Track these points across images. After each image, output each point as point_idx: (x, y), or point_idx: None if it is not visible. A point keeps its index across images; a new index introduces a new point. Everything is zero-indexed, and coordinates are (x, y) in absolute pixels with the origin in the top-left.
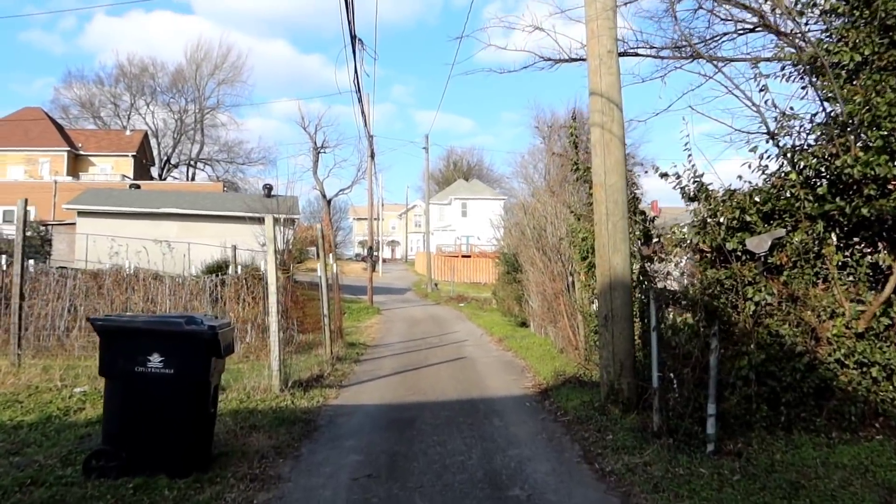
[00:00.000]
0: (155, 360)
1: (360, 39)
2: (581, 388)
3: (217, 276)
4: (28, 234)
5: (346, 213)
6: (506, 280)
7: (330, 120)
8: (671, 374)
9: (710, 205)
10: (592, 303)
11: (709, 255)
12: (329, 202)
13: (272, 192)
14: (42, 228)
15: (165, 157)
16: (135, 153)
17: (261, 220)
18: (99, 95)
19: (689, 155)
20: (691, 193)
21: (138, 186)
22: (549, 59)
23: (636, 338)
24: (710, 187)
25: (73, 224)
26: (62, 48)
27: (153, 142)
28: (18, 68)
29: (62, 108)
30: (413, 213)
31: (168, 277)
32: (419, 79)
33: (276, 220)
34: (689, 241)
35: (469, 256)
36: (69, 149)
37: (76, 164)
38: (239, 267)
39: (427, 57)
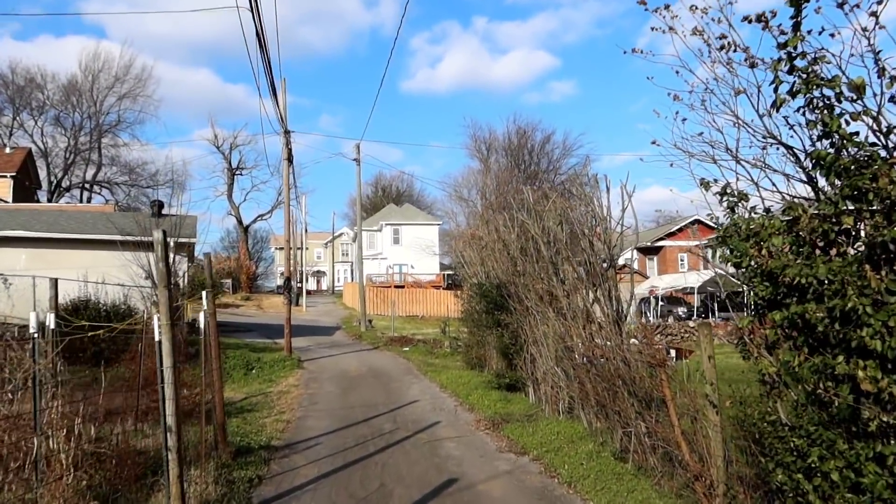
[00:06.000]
0: None
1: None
2: None
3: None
4: None
5: (268, 242)
6: (481, 322)
7: (247, 140)
8: None
9: None
10: (769, 397)
11: None
12: (246, 229)
13: (162, 211)
14: None
15: (55, 180)
16: (15, 174)
17: (138, 246)
18: None
19: None
20: None
21: None
22: None
23: None
24: None
25: None
26: None
27: (41, 162)
28: None
29: None
30: (339, 242)
31: None
32: (347, 108)
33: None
34: None
35: (403, 286)
36: None
37: None
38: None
39: (357, 83)
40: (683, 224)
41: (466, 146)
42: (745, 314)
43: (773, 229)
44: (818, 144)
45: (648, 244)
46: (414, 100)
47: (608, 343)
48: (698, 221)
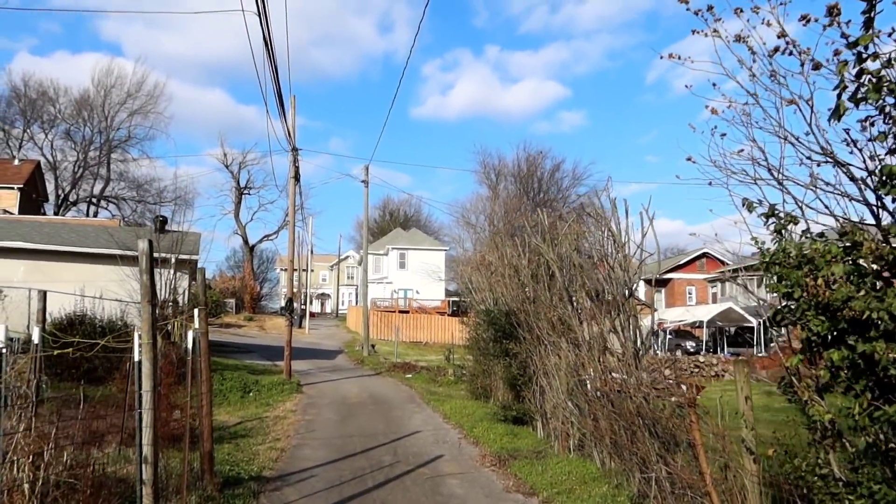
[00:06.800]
0: None
1: None
2: None
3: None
4: None
5: (274, 263)
6: (488, 350)
7: (256, 160)
8: None
9: None
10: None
11: None
12: (252, 249)
13: (166, 226)
14: None
15: (63, 194)
16: (22, 185)
17: (138, 261)
18: None
19: None
20: None
21: None
22: None
23: None
24: None
25: None
26: None
27: (49, 175)
28: None
29: None
30: (345, 265)
31: None
32: (357, 132)
33: (163, 261)
34: None
35: (407, 312)
36: None
37: None
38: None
39: (368, 108)
40: (692, 257)
41: (475, 172)
42: (773, 348)
43: (832, 256)
44: (889, 159)
45: (657, 276)
46: (424, 126)
47: (627, 377)
48: (706, 255)
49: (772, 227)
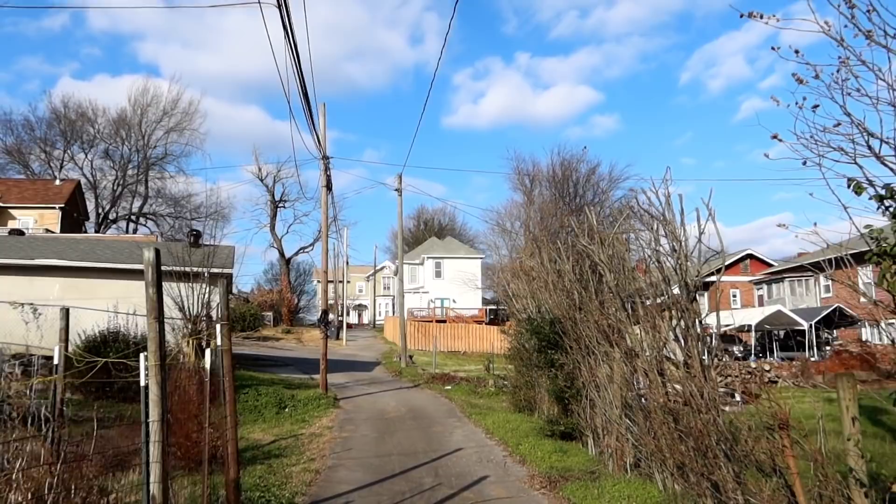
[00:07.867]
0: None
1: None
2: None
3: None
4: None
5: (311, 275)
6: (532, 361)
7: (291, 173)
8: None
9: None
10: None
11: None
12: (288, 262)
13: (199, 240)
14: None
15: (103, 212)
16: (64, 205)
17: (170, 276)
18: (28, 141)
19: None
20: None
21: (22, 233)
22: None
23: None
24: None
25: None
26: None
27: (89, 195)
28: None
29: None
30: (381, 275)
31: None
32: (390, 143)
33: (195, 275)
34: None
35: (444, 321)
36: None
37: None
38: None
39: (400, 119)
40: (735, 258)
41: (509, 177)
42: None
43: None
44: None
45: (719, 277)
46: (456, 135)
47: (699, 391)
48: (751, 256)
49: (890, 212)
